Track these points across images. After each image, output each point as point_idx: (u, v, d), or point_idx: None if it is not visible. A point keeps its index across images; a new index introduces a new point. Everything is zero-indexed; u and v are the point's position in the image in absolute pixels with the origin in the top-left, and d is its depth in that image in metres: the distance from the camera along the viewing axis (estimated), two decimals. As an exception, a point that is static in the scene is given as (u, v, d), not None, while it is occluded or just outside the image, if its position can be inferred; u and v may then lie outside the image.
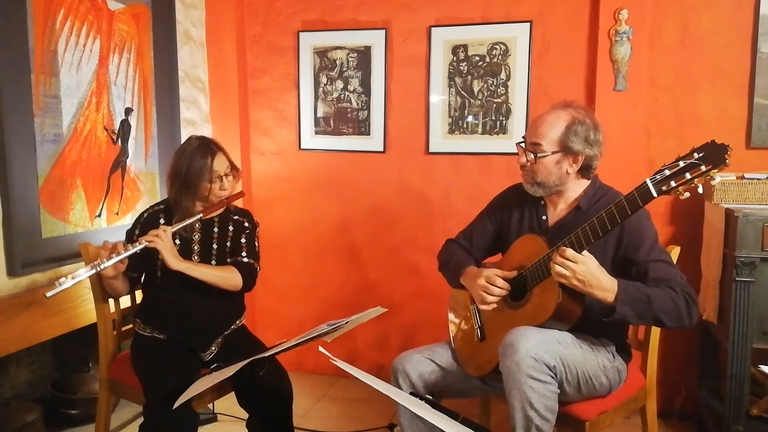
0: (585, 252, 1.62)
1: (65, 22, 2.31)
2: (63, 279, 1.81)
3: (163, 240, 1.94)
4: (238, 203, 2.32)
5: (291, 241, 3.29)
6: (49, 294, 1.79)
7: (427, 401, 1.49)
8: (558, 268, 1.61)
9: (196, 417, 1.91)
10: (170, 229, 1.98)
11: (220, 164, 2.09)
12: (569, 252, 1.60)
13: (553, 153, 1.79)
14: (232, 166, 2.16)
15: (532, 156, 1.81)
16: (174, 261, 1.96)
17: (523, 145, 1.86)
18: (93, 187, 2.48)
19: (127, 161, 2.66)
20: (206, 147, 2.09)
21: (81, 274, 1.84)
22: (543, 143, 1.79)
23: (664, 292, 1.66)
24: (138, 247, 1.92)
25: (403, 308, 3.16)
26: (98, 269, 1.86)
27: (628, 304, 1.62)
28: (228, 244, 2.17)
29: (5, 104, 2.07)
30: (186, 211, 2.08)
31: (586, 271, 1.59)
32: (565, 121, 1.79)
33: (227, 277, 2.08)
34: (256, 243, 2.22)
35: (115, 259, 1.88)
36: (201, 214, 2.06)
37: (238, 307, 2.23)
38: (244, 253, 2.16)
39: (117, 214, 2.61)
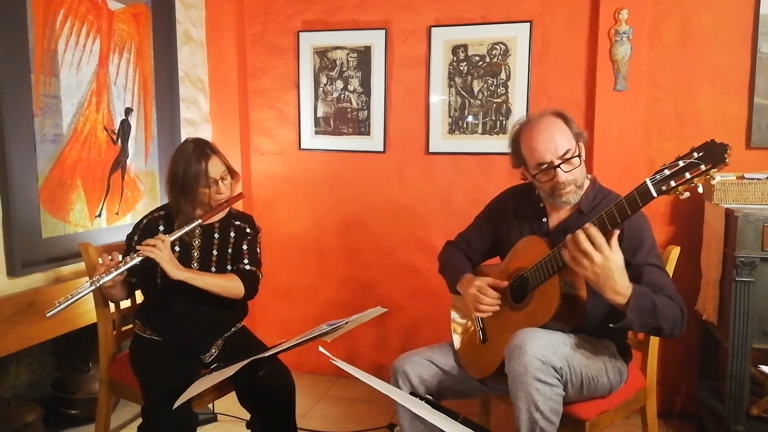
0: (615, 245, 1.53)
1: (65, 22, 2.30)
2: (62, 298, 1.81)
3: (161, 251, 1.91)
4: (240, 206, 2.30)
5: (291, 241, 3.29)
6: (49, 313, 1.78)
7: (427, 401, 1.49)
8: (582, 248, 1.51)
9: (195, 417, 1.91)
10: (168, 238, 1.95)
11: (214, 168, 2.06)
12: (598, 239, 1.50)
13: (576, 148, 1.78)
14: (229, 169, 2.12)
15: (577, 160, 1.76)
16: (174, 271, 1.94)
17: (554, 166, 1.75)
18: (93, 187, 2.48)
19: (127, 161, 2.66)
20: (201, 151, 2.06)
21: (81, 291, 1.83)
22: (570, 148, 1.76)
23: (665, 301, 1.63)
24: (137, 260, 1.90)
25: (403, 308, 3.16)
26: (98, 285, 1.85)
27: (636, 311, 1.56)
28: (229, 250, 2.15)
29: (5, 104, 2.07)
30: (186, 217, 2.05)
31: (606, 267, 1.51)
32: (560, 119, 1.80)
33: (229, 286, 2.06)
34: (257, 249, 2.20)
35: (114, 273, 1.87)
36: (200, 220, 2.04)
37: (240, 311, 2.21)
38: (246, 261, 2.13)
39: (117, 214, 2.61)
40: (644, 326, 1.61)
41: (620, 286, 1.54)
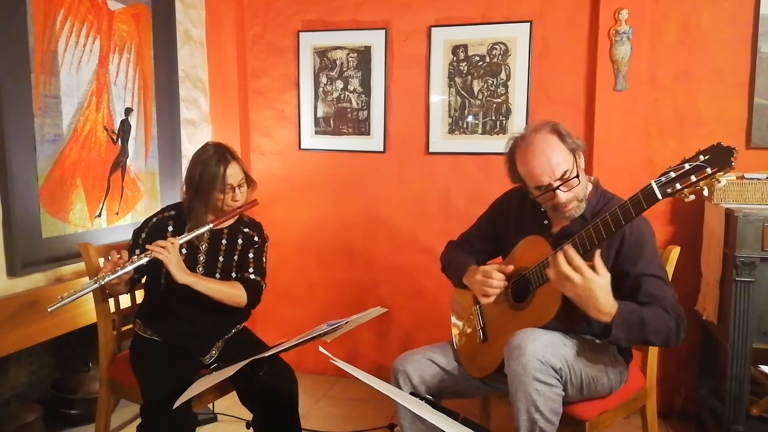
0: (601, 268, 1.53)
1: (65, 22, 2.30)
2: (66, 293, 1.81)
3: (170, 253, 1.91)
4: (252, 214, 2.28)
5: (291, 241, 3.29)
6: (51, 308, 1.79)
7: (427, 401, 1.49)
8: (561, 270, 1.53)
9: (194, 418, 1.91)
10: (177, 241, 1.96)
11: (233, 174, 2.06)
12: (576, 261, 1.52)
13: (574, 165, 1.74)
14: (247, 177, 2.12)
15: (575, 180, 1.72)
16: (180, 274, 1.94)
17: (553, 189, 1.72)
18: (93, 187, 2.48)
19: (127, 161, 2.66)
20: (220, 155, 2.06)
21: (86, 287, 1.83)
22: (568, 168, 1.72)
23: (658, 314, 1.62)
24: (144, 260, 1.90)
25: (403, 308, 3.16)
26: (103, 282, 1.85)
27: (621, 327, 1.57)
28: (235, 257, 2.14)
29: (5, 104, 2.06)
30: (198, 220, 2.05)
31: (586, 288, 1.52)
32: (554, 136, 1.75)
33: (232, 294, 2.06)
34: (263, 259, 2.19)
35: (120, 272, 1.87)
36: (211, 225, 2.03)
37: (241, 314, 2.19)
38: (251, 270, 2.13)
39: (117, 214, 2.61)
40: (631, 341, 1.65)
41: (603, 305, 1.55)
